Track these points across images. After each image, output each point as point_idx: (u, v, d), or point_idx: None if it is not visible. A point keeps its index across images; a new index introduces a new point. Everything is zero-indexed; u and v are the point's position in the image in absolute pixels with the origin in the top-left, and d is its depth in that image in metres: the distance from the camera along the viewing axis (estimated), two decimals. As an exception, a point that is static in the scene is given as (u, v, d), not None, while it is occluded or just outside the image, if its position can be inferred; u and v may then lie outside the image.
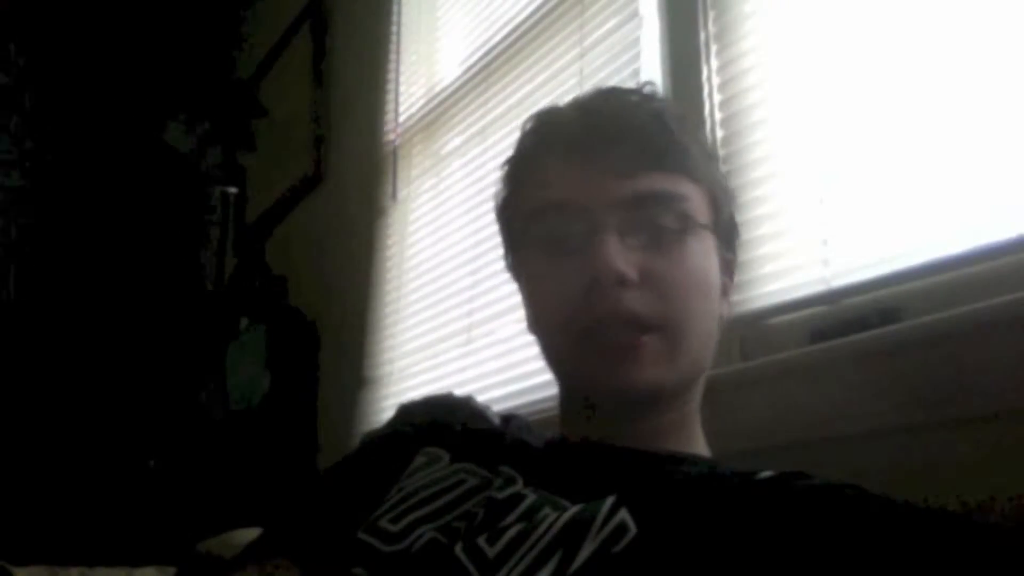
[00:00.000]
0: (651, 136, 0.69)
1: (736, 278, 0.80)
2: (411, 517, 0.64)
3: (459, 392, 0.87)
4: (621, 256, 0.65)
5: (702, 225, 0.70)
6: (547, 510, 0.59)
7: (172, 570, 1.23)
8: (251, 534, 0.76)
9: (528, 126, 0.77)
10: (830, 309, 0.96)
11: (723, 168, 0.76)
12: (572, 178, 0.70)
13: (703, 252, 0.70)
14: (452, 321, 1.61)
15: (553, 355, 0.73)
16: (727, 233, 0.75)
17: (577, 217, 0.68)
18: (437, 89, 1.87)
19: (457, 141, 1.76)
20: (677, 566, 0.53)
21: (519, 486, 0.63)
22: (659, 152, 0.69)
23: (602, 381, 0.67)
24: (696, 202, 0.70)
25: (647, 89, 0.76)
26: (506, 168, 0.78)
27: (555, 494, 0.61)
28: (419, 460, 0.71)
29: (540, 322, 0.73)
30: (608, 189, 0.68)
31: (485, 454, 0.69)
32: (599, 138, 0.70)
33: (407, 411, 0.81)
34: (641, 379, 0.65)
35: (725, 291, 0.75)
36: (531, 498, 0.61)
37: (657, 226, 0.68)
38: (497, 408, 0.83)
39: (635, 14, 1.32)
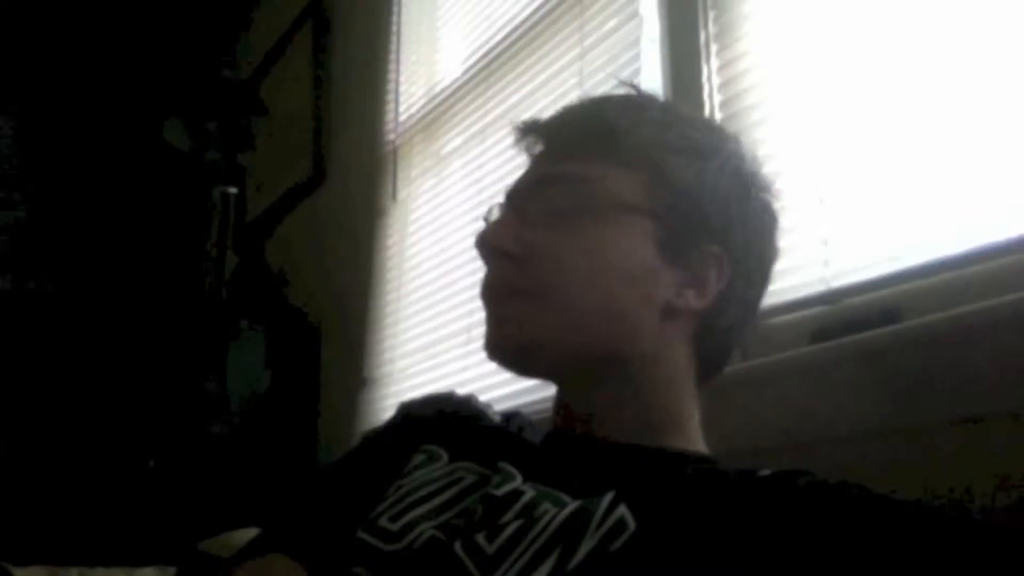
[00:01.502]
0: (573, 123, 0.74)
1: (724, 272, 0.72)
2: (410, 515, 0.64)
3: (459, 392, 0.87)
4: (503, 231, 0.71)
5: (615, 206, 0.69)
6: (546, 505, 0.59)
7: (172, 570, 1.23)
8: (251, 534, 0.76)
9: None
10: (830, 309, 0.96)
11: (702, 160, 0.73)
12: (522, 173, 0.77)
13: (610, 233, 0.69)
14: (452, 321, 1.61)
15: None
16: (687, 221, 0.70)
17: (505, 201, 0.75)
18: (437, 89, 1.87)
19: (457, 141, 1.76)
20: (676, 562, 0.53)
21: (518, 482, 0.63)
22: (577, 138, 0.72)
23: (486, 343, 0.72)
24: (615, 184, 0.69)
25: (624, 88, 0.80)
26: None
27: (555, 488, 0.61)
28: (418, 458, 0.71)
29: None
30: (528, 175, 0.75)
31: (484, 451, 0.69)
32: (540, 132, 0.76)
33: (407, 409, 0.82)
34: (509, 336, 0.70)
35: (689, 282, 0.70)
36: (530, 494, 0.61)
37: (556, 207, 0.70)
38: (497, 408, 0.83)
39: (635, 14, 1.32)
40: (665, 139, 0.72)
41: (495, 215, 0.76)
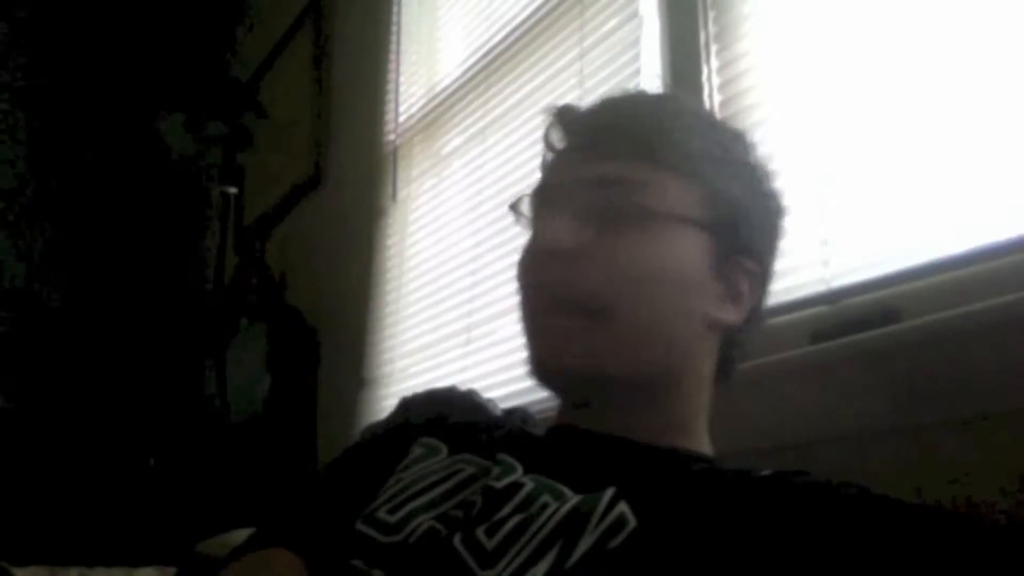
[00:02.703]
0: (624, 125, 0.70)
1: (756, 288, 0.74)
2: (408, 507, 0.64)
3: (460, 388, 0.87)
4: (559, 230, 0.67)
5: (675, 217, 0.68)
6: (546, 498, 0.59)
7: (172, 570, 1.23)
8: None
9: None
10: (830, 309, 0.96)
11: (748, 170, 0.74)
12: (555, 165, 0.73)
13: (666, 243, 0.68)
14: (452, 321, 1.61)
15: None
16: (738, 236, 0.71)
17: (543, 201, 0.71)
18: (437, 89, 1.87)
19: (457, 141, 1.76)
20: (676, 560, 0.53)
21: (518, 474, 0.63)
22: (628, 140, 0.69)
23: (538, 365, 0.68)
24: (669, 192, 0.68)
25: (665, 89, 0.76)
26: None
27: (555, 480, 0.61)
28: (417, 451, 0.71)
29: None
30: (574, 170, 0.70)
31: (484, 444, 0.69)
32: (586, 127, 0.72)
33: (408, 404, 0.81)
34: (570, 364, 0.66)
35: (733, 296, 0.71)
36: (529, 486, 0.61)
37: (612, 209, 0.68)
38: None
39: (635, 14, 1.32)
40: (710, 150, 0.72)
41: (525, 207, 0.73)
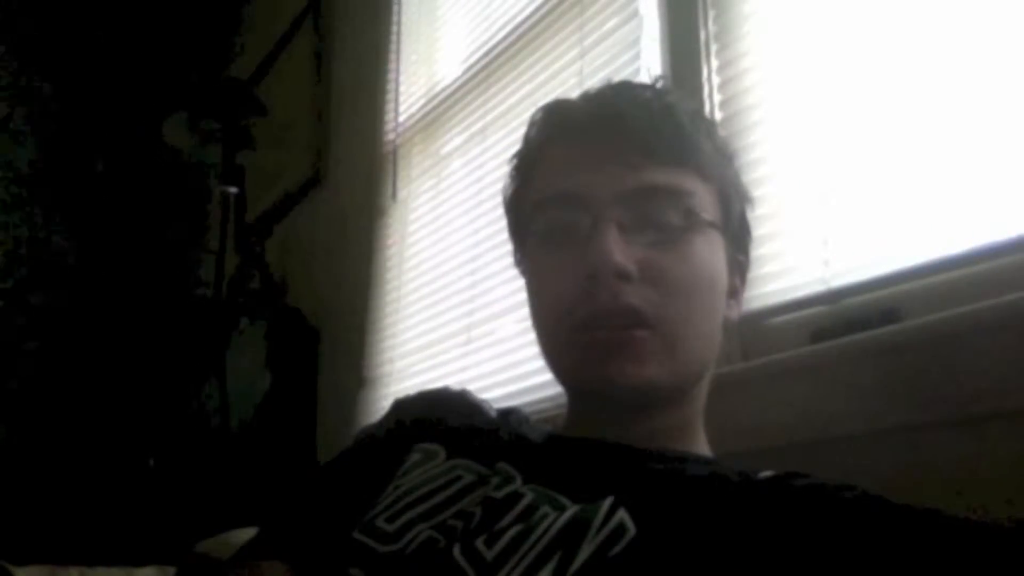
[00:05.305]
0: (660, 129, 0.68)
1: (745, 281, 0.78)
2: (407, 516, 0.63)
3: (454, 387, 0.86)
4: (621, 250, 0.65)
5: (709, 223, 0.69)
6: (546, 509, 0.59)
7: (172, 570, 1.23)
8: (250, 534, 0.76)
9: (536, 117, 0.77)
10: (830, 309, 0.96)
11: (738, 167, 0.76)
12: (577, 169, 0.69)
13: (709, 250, 0.69)
14: (452, 321, 1.61)
15: (548, 348, 0.72)
16: (738, 233, 0.74)
17: (580, 209, 0.68)
18: (437, 89, 1.87)
19: (457, 141, 1.76)
20: (676, 566, 0.53)
21: (517, 484, 0.62)
22: (667, 146, 0.68)
23: (594, 374, 0.66)
24: (703, 199, 0.69)
25: (660, 84, 0.75)
26: (514, 161, 0.78)
27: (554, 490, 0.61)
28: (414, 457, 0.70)
29: (538, 315, 0.73)
30: (612, 181, 0.67)
31: (482, 450, 0.68)
32: (607, 129, 0.69)
33: (402, 406, 0.81)
34: (634, 374, 0.65)
35: (734, 293, 0.74)
36: (529, 497, 0.60)
37: (661, 221, 0.67)
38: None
39: (635, 14, 1.32)
40: (719, 148, 0.73)
41: (551, 213, 0.70)
